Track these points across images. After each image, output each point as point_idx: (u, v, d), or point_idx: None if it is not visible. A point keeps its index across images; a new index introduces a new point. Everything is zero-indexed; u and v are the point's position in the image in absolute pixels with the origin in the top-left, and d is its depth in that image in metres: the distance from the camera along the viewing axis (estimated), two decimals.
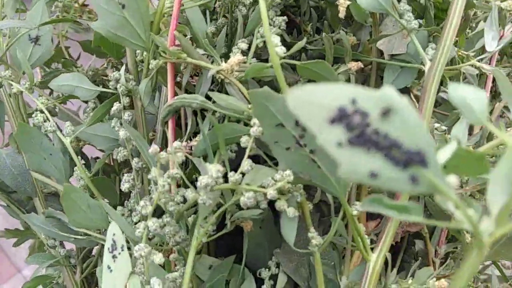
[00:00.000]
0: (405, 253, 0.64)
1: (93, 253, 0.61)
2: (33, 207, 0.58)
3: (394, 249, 0.63)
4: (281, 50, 0.37)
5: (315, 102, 0.21)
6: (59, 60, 0.71)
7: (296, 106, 0.21)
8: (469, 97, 0.26)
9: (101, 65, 0.73)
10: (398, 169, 0.20)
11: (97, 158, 0.65)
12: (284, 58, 0.40)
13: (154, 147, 0.39)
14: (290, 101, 0.21)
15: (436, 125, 0.55)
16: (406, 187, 0.20)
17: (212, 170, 0.36)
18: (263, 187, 0.40)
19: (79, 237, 0.52)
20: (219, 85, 0.50)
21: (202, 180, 0.37)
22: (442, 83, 0.53)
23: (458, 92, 0.27)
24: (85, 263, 0.59)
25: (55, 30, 0.75)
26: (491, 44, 0.46)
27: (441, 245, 0.61)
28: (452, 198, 0.20)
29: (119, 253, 0.42)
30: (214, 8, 0.56)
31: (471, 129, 0.57)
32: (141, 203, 0.40)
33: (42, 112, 0.49)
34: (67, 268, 0.57)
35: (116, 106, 0.48)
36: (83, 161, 0.62)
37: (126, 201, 0.53)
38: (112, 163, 0.66)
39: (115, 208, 0.52)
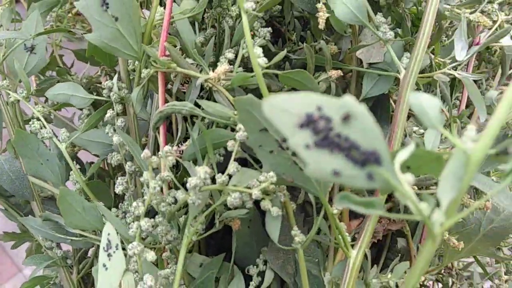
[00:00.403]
0: (389, 251, 0.67)
1: (89, 254, 0.63)
2: (30, 210, 0.60)
3: (378, 247, 0.67)
4: (262, 61, 0.40)
5: (287, 109, 0.24)
6: (53, 68, 0.74)
7: (271, 113, 0.24)
8: (424, 104, 0.29)
9: (95, 73, 0.76)
10: (356, 167, 0.23)
11: (92, 162, 0.68)
12: (267, 68, 0.43)
13: (146, 152, 0.42)
14: (265, 108, 0.24)
15: (415, 128, 0.58)
16: (364, 183, 0.23)
17: (200, 172, 0.39)
18: (249, 188, 0.43)
19: (75, 238, 0.55)
20: (208, 92, 0.53)
21: (191, 181, 0.39)
22: (418, 89, 0.56)
23: (417, 100, 0.30)
24: (81, 263, 0.61)
25: (49, 39, 0.77)
26: (461, 54, 0.49)
27: (423, 243, 0.64)
28: (404, 192, 0.23)
29: (114, 252, 0.44)
30: (203, 18, 0.59)
31: None
32: (134, 204, 0.42)
33: (38, 119, 0.52)
34: (64, 269, 0.59)
35: (109, 113, 0.50)
36: (78, 166, 0.65)
37: (120, 203, 0.55)
38: (106, 167, 0.69)
39: (110, 210, 0.54)
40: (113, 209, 0.52)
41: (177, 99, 0.53)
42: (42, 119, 0.51)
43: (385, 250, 0.63)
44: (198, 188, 0.40)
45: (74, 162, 0.53)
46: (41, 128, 0.52)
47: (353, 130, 0.23)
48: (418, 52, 0.47)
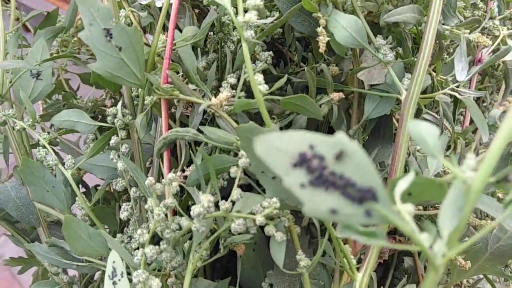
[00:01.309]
0: (395, 270, 0.66)
1: (95, 278, 0.63)
2: (36, 235, 0.61)
3: (384, 267, 0.66)
4: (263, 88, 0.40)
5: (279, 148, 0.24)
6: (60, 92, 0.75)
7: (263, 152, 0.24)
8: (423, 132, 0.29)
9: (100, 96, 0.77)
10: (354, 205, 0.23)
11: (98, 185, 0.68)
12: (268, 94, 0.43)
13: (150, 180, 0.42)
14: (257, 147, 0.24)
15: (418, 147, 0.58)
16: (362, 220, 0.23)
17: (203, 201, 0.39)
18: (253, 213, 0.43)
19: (81, 264, 0.55)
20: (211, 116, 0.53)
21: (195, 210, 0.40)
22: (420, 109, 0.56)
23: (416, 128, 0.30)
24: (88, 286, 0.62)
25: (55, 64, 0.79)
26: (461, 74, 0.50)
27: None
28: (404, 226, 0.23)
29: (119, 280, 0.45)
30: (205, 42, 0.60)
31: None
32: (139, 231, 0.43)
33: (44, 147, 0.53)
34: None
35: (114, 139, 0.51)
36: (84, 189, 0.65)
37: (125, 228, 0.56)
38: (112, 190, 0.70)
39: (116, 235, 0.55)
40: (118, 235, 0.53)
41: (181, 123, 0.54)
42: (48, 146, 0.52)
43: (392, 270, 0.63)
44: (201, 216, 0.40)
45: (80, 185, 0.54)
46: (46, 155, 0.52)
47: (348, 168, 0.24)
48: (419, 74, 0.48)
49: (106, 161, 0.56)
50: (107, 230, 0.56)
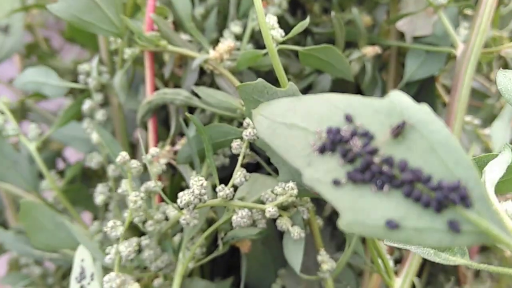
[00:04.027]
0: (432, 266, 0.56)
1: None
2: (4, 220, 0.51)
3: None
4: (278, 33, 0.29)
5: (294, 123, 0.14)
6: (38, 53, 0.64)
7: (268, 131, 0.14)
8: None
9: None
10: (428, 214, 0.13)
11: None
12: (283, 43, 0.32)
13: (122, 156, 0.32)
14: (258, 124, 0.15)
15: (468, 118, 0.47)
16: (444, 239, 0.13)
17: (194, 186, 0.29)
18: (262, 202, 0.33)
19: (54, 255, 0.45)
20: (212, 78, 0.42)
21: (183, 198, 0.29)
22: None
23: (511, 81, 0.19)
24: (65, 280, 0.52)
25: (34, 19, 0.68)
26: None
27: (473, 256, 0.53)
28: None
29: (88, 283, 0.35)
30: None
31: None
32: (110, 223, 0.32)
33: (2, 113, 0.42)
34: None
35: (87, 104, 0.40)
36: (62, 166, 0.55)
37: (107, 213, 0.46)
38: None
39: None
40: (95, 222, 0.43)
41: (175, 87, 0.43)
42: (8, 112, 0.41)
43: (428, 265, 0.53)
44: (192, 206, 0.29)
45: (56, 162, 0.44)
46: (5, 123, 0.42)
47: (415, 151, 0.14)
48: (482, 20, 0.36)
49: (84, 130, 0.45)
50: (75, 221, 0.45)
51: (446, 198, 0.13)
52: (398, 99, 0.14)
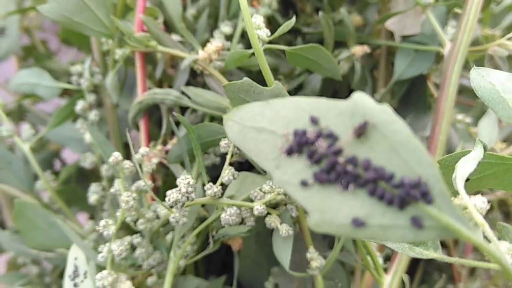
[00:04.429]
0: (426, 264, 0.56)
1: None
2: (2, 220, 0.52)
3: (413, 260, 0.56)
4: (264, 33, 0.30)
5: (263, 127, 0.14)
6: (36, 55, 0.64)
7: (238, 135, 0.14)
8: (500, 86, 0.18)
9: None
10: (392, 210, 0.13)
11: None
12: (271, 42, 0.32)
13: (115, 156, 0.32)
14: (229, 130, 0.15)
15: (460, 116, 0.47)
16: (408, 235, 0.13)
17: (181, 184, 0.29)
18: (251, 199, 0.33)
19: (51, 254, 0.46)
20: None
21: (170, 196, 0.30)
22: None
23: (484, 79, 0.20)
24: (62, 279, 0.53)
25: (31, 22, 0.68)
26: None
27: (468, 254, 0.53)
28: (477, 241, 0.13)
29: (82, 281, 0.35)
30: None
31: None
32: (102, 222, 0.33)
33: None
34: None
35: (80, 104, 0.41)
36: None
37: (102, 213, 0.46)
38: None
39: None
40: (90, 222, 0.43)
41: (169, 87, 0.43)
42: (2, 113, 0.42)
43: (423, 263, 0.53)
44: (180, 204, 0.30)
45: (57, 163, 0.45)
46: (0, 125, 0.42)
47: (377, 150, 0.14)
48: (468, 19, 0.37)
49: (79, 131, 0.46)
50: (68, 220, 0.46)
51: (408, 195, 0.14)
52: (361, 100, 0.14)
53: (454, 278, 0.52)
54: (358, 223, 0.14)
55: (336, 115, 0.15)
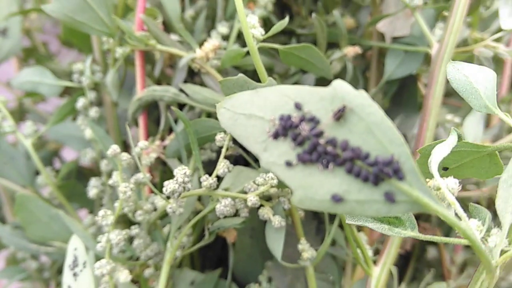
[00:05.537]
0: (417, 261, 0.57)
1: None
2: (3, 215, 0.53)
3: (405, 257, 0.57)
4: (258, 32, 0.31)
5: (252, 113, 0.16)
6: (37, 56, 0.66)
7: (228, 121, 0.16)
8: (473, 78, 0.20)
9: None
10: (368, 187, 0.15)
11: None
12: (265, 40, 0.34)
13: (113, 148, 0.33)
14: (221, 116, 0.17)
15: (449, 116, 0.49)
16: (382, 209, 0.15)
17: (178, 175, 0.31)
18: (245, 192, 0.34)
19: (50, 249, 0.47)
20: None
21: (168, 186, 0.31)
22: None
23: (459, 72, 0.21)
24: (61, 274, 0.54)
25: (32, 24, 0.70)
26: (507, 21, 0.40)
27: (458, 251, 0.54)
28: (444, 213, 0.15)
29: (81, 271, 0.36)
30: None
31: (489, 120, 0.51)
32: (101, 212, 0.34)
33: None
34: (40, 283, 0.51)
35: (81, 102, 0.42)
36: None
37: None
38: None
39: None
40: (89, 216, 0.44)
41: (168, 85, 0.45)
42: (4, 109, 0.43)
43: (413, 261, 0.54)
44: (176, 194, 0.31)
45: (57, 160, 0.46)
46: (2, 120, 0.44)
47: (354, 131, 0.15)
48: (455, 21, 0.38)
49: (79, 129, 0.47)
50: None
51: (382, 172, 0.15)
52: (340, 86, 0.16)
53: (444, 276, 0.53)
54: (337, 199, 0.15)
55: (318, 100, 0.16)
